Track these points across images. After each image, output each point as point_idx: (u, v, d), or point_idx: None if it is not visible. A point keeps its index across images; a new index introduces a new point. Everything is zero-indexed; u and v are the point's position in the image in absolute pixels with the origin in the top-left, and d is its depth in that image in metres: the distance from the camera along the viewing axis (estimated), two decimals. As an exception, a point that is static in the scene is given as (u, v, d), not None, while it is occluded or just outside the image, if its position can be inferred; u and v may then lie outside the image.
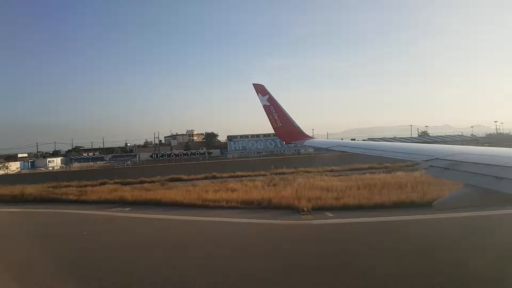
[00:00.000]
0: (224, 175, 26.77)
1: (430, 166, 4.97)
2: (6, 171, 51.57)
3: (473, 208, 8.67)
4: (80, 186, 22.71)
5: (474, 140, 58.06)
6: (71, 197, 18.22)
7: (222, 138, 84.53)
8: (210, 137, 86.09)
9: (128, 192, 18.20)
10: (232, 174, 26.94)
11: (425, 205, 10.74)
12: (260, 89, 10.99)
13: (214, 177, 26.15)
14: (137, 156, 69.16)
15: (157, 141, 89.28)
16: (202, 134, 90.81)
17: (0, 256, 8.86)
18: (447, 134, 76.83)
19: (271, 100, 10.92)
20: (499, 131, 77.43)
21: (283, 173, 24.71)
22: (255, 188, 17.34)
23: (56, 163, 65.49)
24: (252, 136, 68.93)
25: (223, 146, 74.10)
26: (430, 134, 77.28)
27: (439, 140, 56.80)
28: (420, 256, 7.04)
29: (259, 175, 24.85)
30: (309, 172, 24.62)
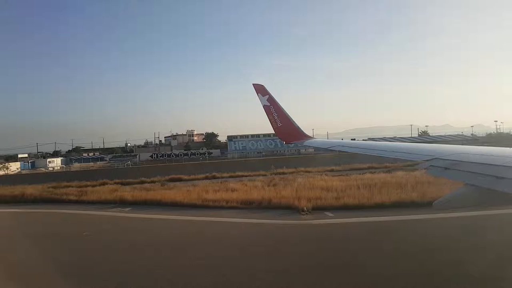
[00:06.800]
0: (224, 175, 26.75)
1: (431, 165, 4.97)
2: (6, 172, 51.49)
3: (473, 208, 8.67)
4: (80, 187, 22.72)
5: (474, 140, 58.11)
6: (71, 197, 18.23)
7: (222, 138, 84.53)
8: (210, 137, 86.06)
9: (128, 192, 18.21)
10: (232, 174, 26.91)
11: (425, 204, 10.71)
12: (260, 89, 10.99)
13: (214, 177, 26.12)
14: (137, 156, 68.92)
15: (157, 141, 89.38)
16: (202, 134, 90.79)
17: (0, 256, 8.88)
18: (447, 133, 76.91)
19: (271, 100, 10.91)
20: (499, 131, 77.52)
21: (283, 173, 24.75)
22: (255, 188, 17.32)
23: (56, 163, 65.33)
24: (252, 136, 68.89)
25: (223, 146, 74.03)
26: (430, 134, 77.27)
27: (439, 139, 56.83)
28: (420, 256, 7.04)
29: (259, 175, 24.87)
30: (309, 172, 24.65)
